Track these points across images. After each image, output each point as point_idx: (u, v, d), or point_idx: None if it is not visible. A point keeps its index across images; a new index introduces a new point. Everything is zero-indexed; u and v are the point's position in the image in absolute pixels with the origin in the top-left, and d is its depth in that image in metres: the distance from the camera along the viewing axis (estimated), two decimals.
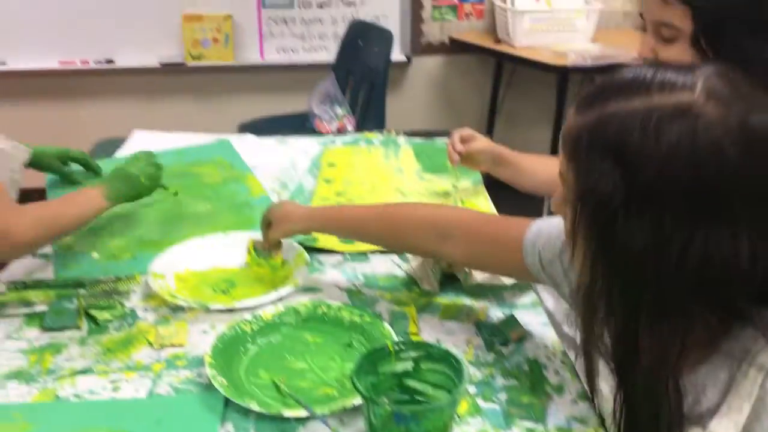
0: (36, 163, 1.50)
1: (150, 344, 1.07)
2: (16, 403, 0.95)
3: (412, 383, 0.93)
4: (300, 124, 3.10)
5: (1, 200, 1.12)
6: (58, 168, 1.57)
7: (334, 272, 1.27)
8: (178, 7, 3.33)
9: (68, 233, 1.28)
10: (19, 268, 1.28)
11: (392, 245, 1.23)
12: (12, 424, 0.90)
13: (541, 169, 1.46)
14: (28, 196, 1.32)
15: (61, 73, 3.38)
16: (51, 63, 3.37)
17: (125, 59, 3.42)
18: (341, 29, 3.36)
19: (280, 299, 1.16)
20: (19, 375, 1.00)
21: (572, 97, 3.06)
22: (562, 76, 3.03)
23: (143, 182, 1.35)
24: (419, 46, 3.49)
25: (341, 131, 3.03)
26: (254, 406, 0.90)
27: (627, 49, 2.89)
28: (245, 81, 3.49)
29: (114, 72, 3.42)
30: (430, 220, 1.11)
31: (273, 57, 3.48)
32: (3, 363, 1.03)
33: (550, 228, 0.97)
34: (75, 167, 1.61)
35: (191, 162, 1.73)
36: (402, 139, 1.88)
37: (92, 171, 1.59)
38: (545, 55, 3.05)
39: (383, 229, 1.16)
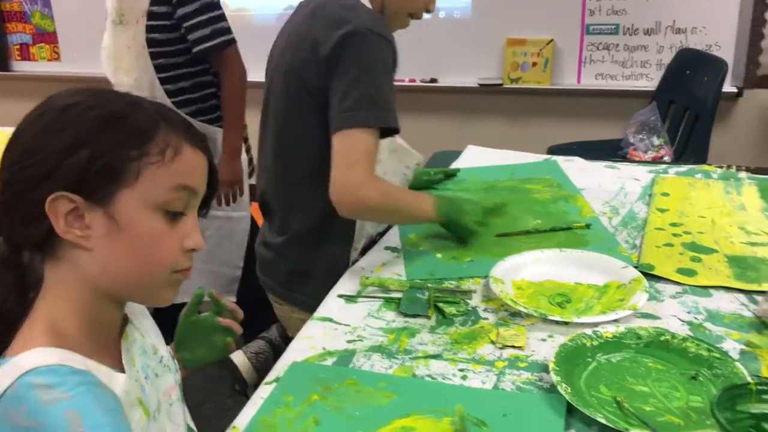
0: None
1: (492, 342, 1.15)
2: (381, 373, 1.08)
3: None
4: (611, 152, 3.05)
5: (371, 165, 1.30)
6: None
7: (672, 302, 1.24)
8: (503, 32, 3.48)
9: (399, 221, 1.49)
10: (376, 258, 1.45)
11: None
12: (378, 390, 1.03)
13: None
14: None
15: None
16: None
17: (448, 79, 3.67)
18: (666, 57, 3.25)
19: (618, 321, 1.17)
20: (380, 349, 1.14)
21: None
22: None
23: (469, 228, 1.47)
24: (754, 79, 3.23)
25: (656, 162, 2.93)
26: (601, 419, 0.92)
27: None
28: (559, 105, 3.53)
29: (437, 90, 3.69)
30: None
31: (590, 82, 3.47)
32: (367, 337, 1.18)
33: None
34: None
35: (522, 179, 1.81)
36: (743, 175, 1.76)
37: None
38: None
39: None
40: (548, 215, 1.62)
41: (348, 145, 1.28)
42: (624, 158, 3.02)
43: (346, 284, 1.36)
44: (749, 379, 0.98)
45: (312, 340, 1.18)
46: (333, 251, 1.45)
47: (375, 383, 1.05)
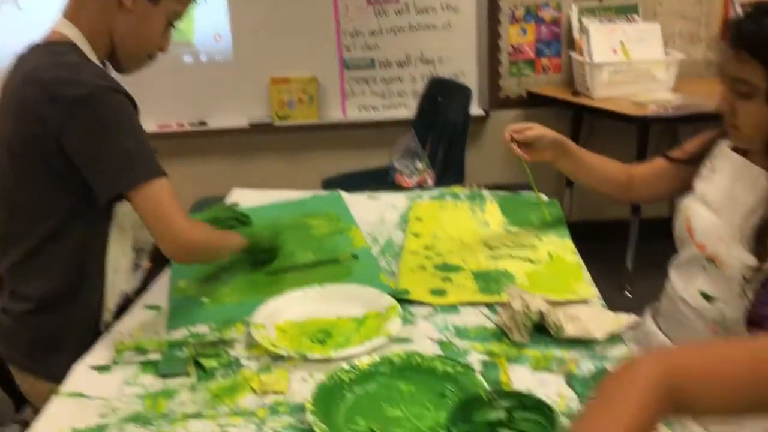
0: None
1: (254, 391, 1.13)
2: None
3: None
4: (382, 179, 3.19)
5: (179, 209, 1.29)
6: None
7: (425, 324, 1.31)
8: (267, 72, 3.52)
9: (223, 255, 1.48)
10: (134, 320, 1.38)
11: None
12: None
13: (602, 166, 1.61)
14: None
15: (158, 135, 3.60)
16: (150, 126, 3.60)
17: (217, 121, 3.63)
18: (420, 86, 3.47)
19: (375, 350, 1.21)
20: (136, 418, 1.08)
21: (653, 147, 3.04)
22: (643, 126, 3.02)
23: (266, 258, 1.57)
24: (497, 101, 3.56)
25: (421, 185, 3.11)
26: None
27: (709, 98, 2.87)
28: (329, 138, 3.64)
29: (206, 133, 3.63)
30: None
31: (355, 115, 3.62)
32: (122, 407, 1.11)
33: None
34: None
35: (306, 213, 1.86)
36: (487, 193, 1.92)
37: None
38: (625, 106, 3.06)
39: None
40: (322, 250, 1.64)
41: (149, 202, 1.26)
42: (393, 184, 3.17)
43: (100, 352, 1.27)
44: (487, 387, 1.05)
45: (58, 419, 1.09)
46: (82, 315, 1.37)
47: None
